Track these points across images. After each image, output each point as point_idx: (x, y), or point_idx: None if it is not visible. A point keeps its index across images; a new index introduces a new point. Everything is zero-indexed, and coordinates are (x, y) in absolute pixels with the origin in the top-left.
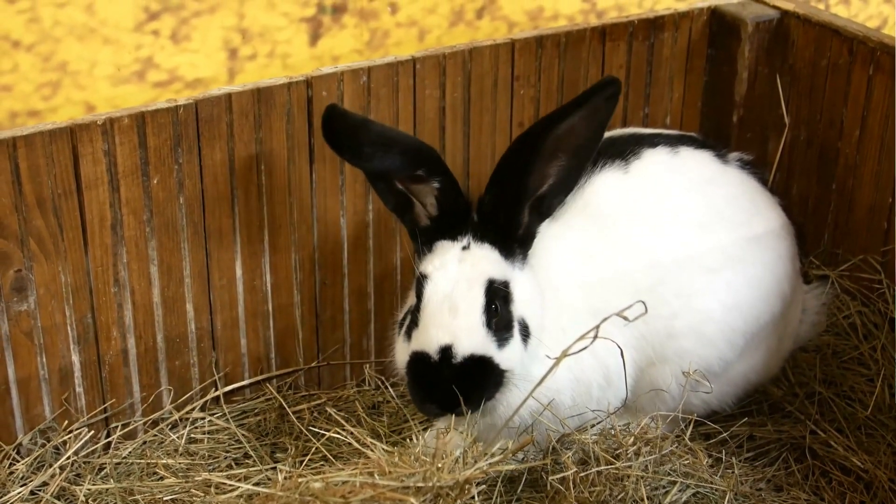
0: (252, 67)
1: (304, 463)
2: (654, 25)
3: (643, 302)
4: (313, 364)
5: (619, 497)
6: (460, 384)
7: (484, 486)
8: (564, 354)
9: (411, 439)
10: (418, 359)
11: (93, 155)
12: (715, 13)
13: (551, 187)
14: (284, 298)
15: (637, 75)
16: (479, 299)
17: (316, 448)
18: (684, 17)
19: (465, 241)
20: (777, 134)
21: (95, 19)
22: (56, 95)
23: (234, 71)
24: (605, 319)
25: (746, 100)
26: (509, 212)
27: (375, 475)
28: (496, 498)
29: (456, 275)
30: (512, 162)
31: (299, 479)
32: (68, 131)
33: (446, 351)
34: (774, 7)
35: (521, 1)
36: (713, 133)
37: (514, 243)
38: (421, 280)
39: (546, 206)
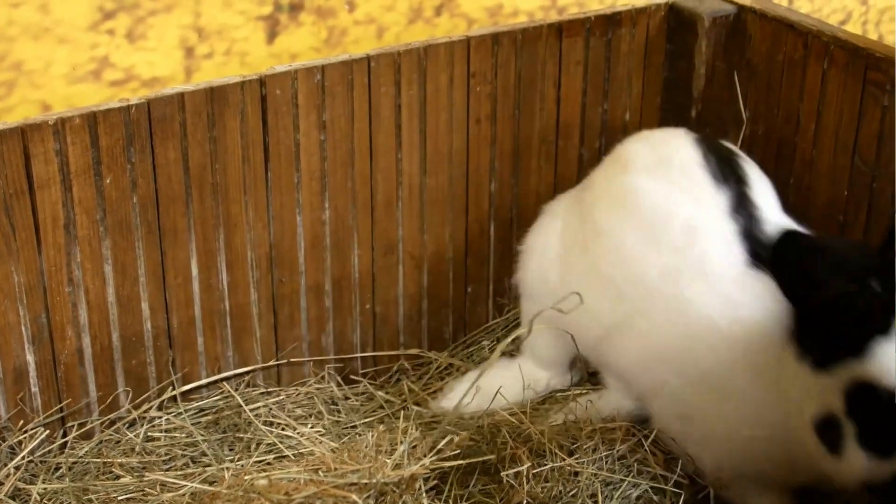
0: (209, 66)
1: (258, 460)
2: (611, 21)
3: (578, 293)
4: (272, 362)
5: (572, 493)
6: None
7: (436, 481)
8: (500, 348)
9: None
10: None
11: (44, 155)
12: (672, 8)
13: None
14: (241, 297)
15: (595, 72)
16: None
17: (271, 446)
18: (642, 12)
19: None
20: (736, 129)
21: (50, 18)
22: (11, 95)
23: (190, 69)
24: (538, 314)
25: (704, 95)
26: None
27: (320, 472)
28: (448, 491)
29: None
30: None
31: (245, 477)
32: (19, 131)
33: None
34: (731, 2)
35: None
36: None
37: None
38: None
39: None
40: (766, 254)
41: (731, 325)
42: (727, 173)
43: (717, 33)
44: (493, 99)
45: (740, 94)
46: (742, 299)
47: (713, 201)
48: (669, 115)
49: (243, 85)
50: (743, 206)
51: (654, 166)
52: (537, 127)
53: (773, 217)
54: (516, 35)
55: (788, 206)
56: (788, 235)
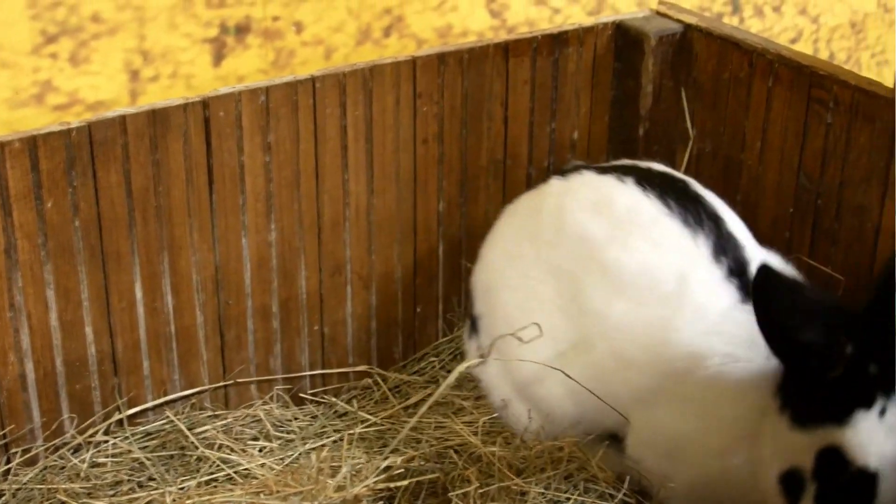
0: (155, 89)
1: (205, 482)
2: (558, 41)
3: (537, 324)
4: (219, 384)
5: None
6: None
7: (383, 503)
8: (459, 370)
9: (310, 456)
10: None
11: None
12: (619, 27)
13: None
14: (187, 320)
15: (542, 91)
16: None
17: (218, 469)
18: (589, 31)
19: (880, 406)
20: (683, 146)
21: None
22: None
23: (136, 93)
24: (498, 338)
25: (652, 113)
26: None
27: (262, 495)
28: None
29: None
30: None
31: (187, 502)
32: None
33: None
34: (677, 21)
35: (430, 18)
36: (620, 147)
37: None
38: (867, 480)
39: None
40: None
41: (724, 358)
42: (696, 217)
43: (664, 52)
44: (439, 119)
45: (687, 112)
46: (735, 334)
47: (694, 249)
48: (617, 134)
49: (186, 107)
50: (725, 248)
51: (621, 234)
52: (485, 146)
53: (754, 252)
54: (463, 55)
55: None
56: (765, 269)
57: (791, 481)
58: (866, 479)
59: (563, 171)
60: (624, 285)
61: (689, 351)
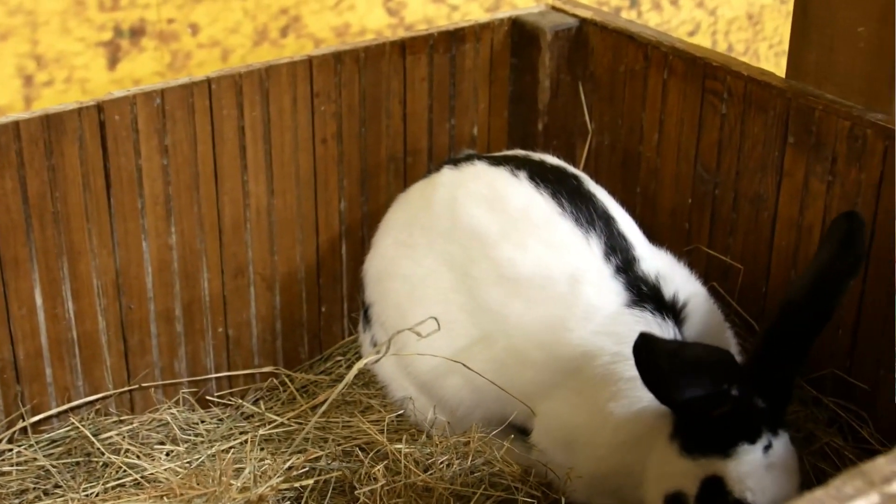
0: (49, 94)
1: (112, 488)
2: (454, 37)
3: (434, 318)
4: (124, 389)
5: None
6: None
7: (289, 501)
8: (359, 366)
9: (215, 458)
10: None
11: None
12: (515, 23)
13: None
14: (89, 325)
15: (440, 88)
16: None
17: (125, 474)
18: (485, 28)
19: (765, 441)
20: (582, 140)
21: None
22: None
23: (30, 98)
24: (397, 333)
25: (550, 107)
26: (790, 390)
27: (166, 499)
28: None
29: (779, 490)
30: (796, 344)
31: None
32: None
33: None
34: (573, 15)
35: (327, 17)
36: (520, 142)
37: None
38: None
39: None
40: (646, 290)
41: (613, 358)
42: (588, 217)
43: (561, 46)
44: (338, 118)
45: (585, 106)
46: (624, 334)
47: (586, 250)
48: (516, 129)
49: (80, 111)
50: (615, 247)
51: (514, 233)
52: (385, 144)
53: (644, 252)
54: (359, 53)
55: (636, 216)
56: (644, 339)
57: (673, 500)
58: None
59: (454, 160)
60: (519, 285)
61: (581, 350)
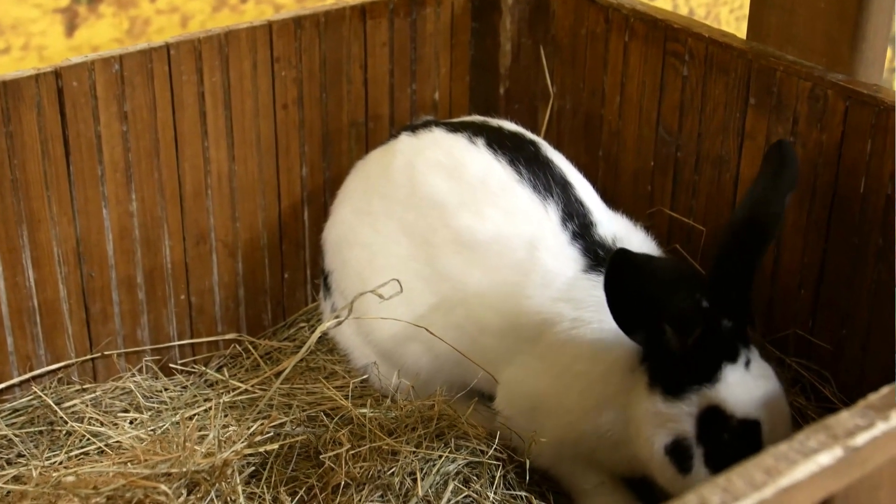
0: (7, 61)
1: (75, 456)
2: (415, 2)
3: (397, 280)
4: (86, 357)
5: (391, 471)
6: None
7: (256, 467)
8: (321, 330)
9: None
10: None
11: None
12: None
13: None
14: (50, 293)
15: (401, 53)
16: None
17: (89, 443)
18: None
19: (744, 358)
20: (544, 104)
21: None
22: None
23: None
24: (359, 295)
25: (512, 71)
26: (749, 299)
27: (130, 465)
28: (268, 476)
29: (773, 403)
30: (750, 250)
31: (54, 474)
32: None
33: None
34: None
35: None
36: (482, 106)
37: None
38: (751, 429)
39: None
40: (603, 255)
41: (573, 324)
42: (545, 183)
43: (521, 10)
44: (298, 83)
45: (546, 70)
46: (582, 299)
47: (544, 217)
48: (478, 94)
49: (38, 78)
50: (572, 213)
51: (472, 201)
52: (346, 110)
53: (601, 216)
54: (319, 18)
55: (598, 180)
56: (620, 254)
57: (678, 451)
58: (750, 429)
59: (412, 127)
60: (478, 253)
61: (540, 318)
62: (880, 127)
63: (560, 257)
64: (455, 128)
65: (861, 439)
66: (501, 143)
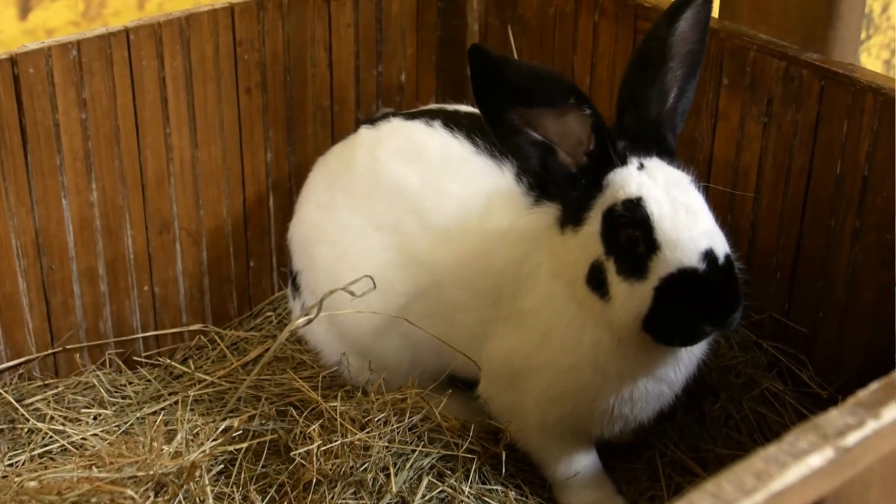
0: None
1: (34, 458)
2: None
3: (370, 276)
4: (47, 352)
5: (364, 467)
6: (735, 286)
7: (222, 465)
8: (290, 328)
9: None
10: (682, 276)
11: None
12: None
13: (677, 99)
14: (9, 287)
15: (367, 33)
16: (701, 198)
17: (52, 441)
18: None
19: (636, 163)
20: None
21: None
22: None
23: None
24: (330, 293)
25: None
26: (657, 129)
27: (95, 468)
28: (237, 475)
29: (664, 185)
30: (640, 77)
31: (15, 479)
32: None
33: (709, 255)
34: None
35: None
36: (449, 86)
37: (672, 154)
38: (633, 206)
39: (678, 121)
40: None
41: (533, 269)
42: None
43: None
44: (262, 67)
45: (514, 50)
46: (533, 235)
47: (500, 178)
48: (445, 74)
49: None
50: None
51: (435, 180)
52: (311, 93)
53: None
54: (282, 0)
55: None
56: (474, 50)
57: (594, 275)
58: (634, 208)
59: (371, 120)
60: (444, 231)
61: (499, 274)
62: (856, 107)
63: (509, 209)
64: (412, 116)
65: (852, 439)
66: (458, 122)
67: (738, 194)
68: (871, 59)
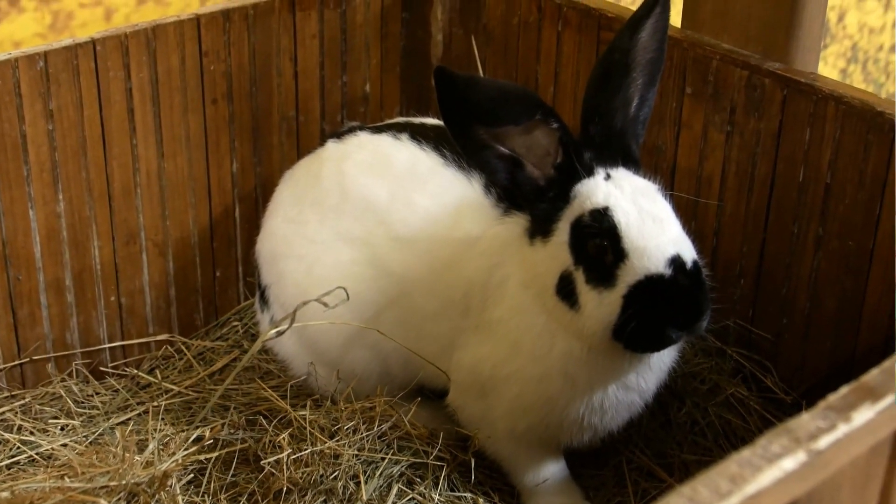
0: None
1: (2, 469)
2: None
3: (343, 288)
4: (14, 363)
5: (333, 475)
6: (702, 292)
7: (192, 474)
8: (261, 341)
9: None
10: (650, 282)
11: None
12: None
13: (639, 108)
14: None
15: (332, 44)
16: (668, 206)
17: (19, 451)
18: None
19: (603, 174)
20: None
21: None
22: None
23: None
24: (302, 304)
25: (443, 61)
26: (622, 139)
27: (66, 478)
28: (207, 484)
29: (631, 195)
30: (604, 87)
31: None
32: None
33: (676, 261)
34: None
35: None
36: (414, 96)
37: (637, 164)
38: (600, 215)
39: (640, 130)
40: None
41: (502, 280)
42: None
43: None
44: (228, 77)
45: (478, 60)
46: (502, 246)
47: (469, 190)
48: (409, 84)
49: None
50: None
51: (403, 192)
52: (276, 103)
53: None
54: (248, 10)
55: None
56: (439, 71)
57: (563, 286)
58: (601, 217)
59: (338, 134)
60: (412, 242)
61: (467, 283)
62: (818, 116)
63: (478, 220)
64: (379, 129)
65: (824, 442)
66: (425, 135)
67: (701, 202)
68: (828, 68)
